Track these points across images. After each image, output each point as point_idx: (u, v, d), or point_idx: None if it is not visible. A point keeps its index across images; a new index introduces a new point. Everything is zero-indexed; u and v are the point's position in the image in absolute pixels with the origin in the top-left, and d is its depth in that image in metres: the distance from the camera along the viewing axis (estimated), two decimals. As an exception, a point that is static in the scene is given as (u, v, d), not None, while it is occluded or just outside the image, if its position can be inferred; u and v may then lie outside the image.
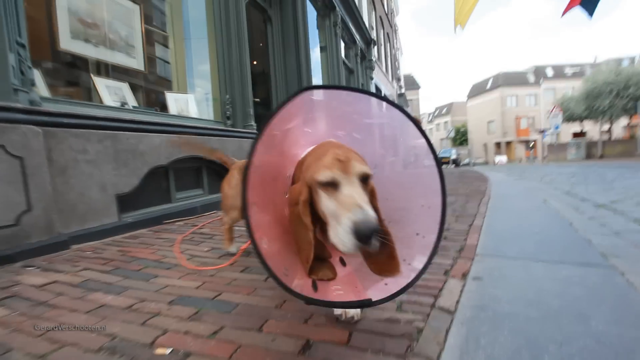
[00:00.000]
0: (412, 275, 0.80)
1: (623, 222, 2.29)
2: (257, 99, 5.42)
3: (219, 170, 3.41)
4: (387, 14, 18.48)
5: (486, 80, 41.75)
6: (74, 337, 0.95)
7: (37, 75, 2.19)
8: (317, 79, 7.96)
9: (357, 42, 10.56)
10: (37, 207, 1.76)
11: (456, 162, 24.73)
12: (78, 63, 2.98)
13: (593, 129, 27.41)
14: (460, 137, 46.36)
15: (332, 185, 0.76)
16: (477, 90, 42.77)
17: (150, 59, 3.63)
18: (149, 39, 3.66)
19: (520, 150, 36.39)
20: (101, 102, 2.73)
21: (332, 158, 0.79)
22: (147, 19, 3.66)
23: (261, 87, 5.82)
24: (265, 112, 5.58)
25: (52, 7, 2.68)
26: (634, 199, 3.18)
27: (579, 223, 2.24)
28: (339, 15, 8.20)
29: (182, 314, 1.07)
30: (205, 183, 3.37)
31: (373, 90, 12.57)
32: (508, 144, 38.71)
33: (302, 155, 0.96)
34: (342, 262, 1.01)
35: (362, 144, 1.00)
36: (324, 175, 0.77)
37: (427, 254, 0.82)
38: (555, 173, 7.72)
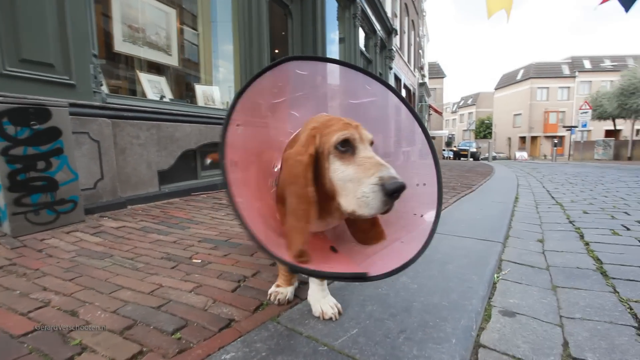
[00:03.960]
0: (407, 257, 0.78)
1: (558, 217, 2.75)
2: (275, 90, 5.97)
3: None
4: (413, 0, 18.20)
5: (517, 71, 40.00)
6: (146, 252, 1.63)
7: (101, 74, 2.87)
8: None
9: (378, 31, 10.77)
10: (106, 176, 2.47)
11: (475, 156, 24.34)
12: (127, 61, 3.65)
13: (628, 129, 25.98)
14: (485, 130, 45.06)
15: (347, 151, 0.74)
16: (507, 80, 41.09)
17: (183, 56, 4.26)
18: (182, 37, 4.28)
19: (546, 147, 35.14)
20: (144, 95, 3.41)
21: (344, 123, 0.76)
22: (180, 19, 4.28)
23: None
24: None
25: (110, 16, 3.33)
26: (597, 199, 3.56)
27: (521, 215, 2.74)
28: (359, 7, 8.47)
29: (207, 246, 1.73)
30: (225, 164, 4.05)
31: (392, 80, 12.76)
32: (533, 139, 37.40)
33: (293, 135, 0.90)
34: (333, 250, 0.96)
35: None
36: (342, 134, 0.73)
37: (425, 235, 0.82)
38: (562, 173, 7.90)
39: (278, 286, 1.12)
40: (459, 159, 22.98)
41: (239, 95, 0.82)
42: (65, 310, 1.07)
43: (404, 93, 16.51)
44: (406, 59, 16.67)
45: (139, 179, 2.77)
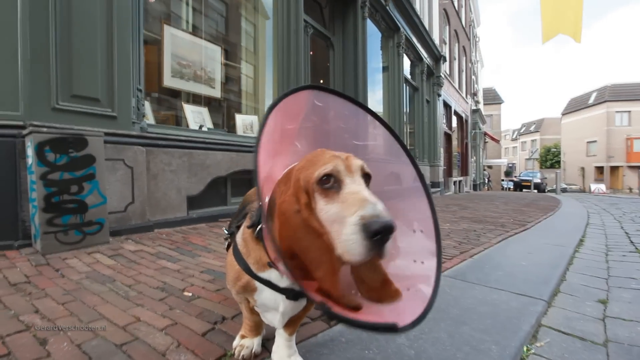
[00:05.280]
0: (426, 296, 0.71)
1: (635, 269, 2.21)
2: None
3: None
4: (464, 27, 17.81)
5: (588, 94, 36.09)
6: (145, 280, 1.63)
7: (147, 106, 3.17)
8: (377, 97, 8.32)
9: (424, 59, 10.62)
10: (137, 200, 2.64)
11: (539, 188, 21.91)
12: (174, 95, 4.01)
13: None
14: (551, 158, 40.76)
15: (332, 187, 0.67)
16: (576, 105, 37.22)
17: (225, 88, 4.57)
18: (225, 72, 4.61)
19: (630, 179, 30.37)
20: (187, 125, 3.68)
21: (330, 155, 0.70)
22: (224, 55, 4.64)
23: None
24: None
25: (161, 54, 3.72)
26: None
27: (583, 264, 2.26)
28: (403, 36, 8.49)
29: (205, 278, 1.68)
30: (256, 191, 4.12)
31: (440, 107, 12.32)
32: (613, 169, 32.66)
33: (286, 170, 0.81)
34: None
35: None
36: (323, 169, 0.67)
37: (430, 281, 0.75)
38: (649, 210, 6.63)
39: (242, 337, 1.00)
40: (521, 191, 20.84)
41: (269, 111, 0.76)
42: (38, 338, 1.06)
43: (454, 120, 15.79)
44: (457, 86, 16.09)
45: (168, 204, 2.91)
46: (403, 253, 0.82)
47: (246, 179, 4.01)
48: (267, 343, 1.04)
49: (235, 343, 1.00)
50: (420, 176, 0.87)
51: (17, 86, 2.04)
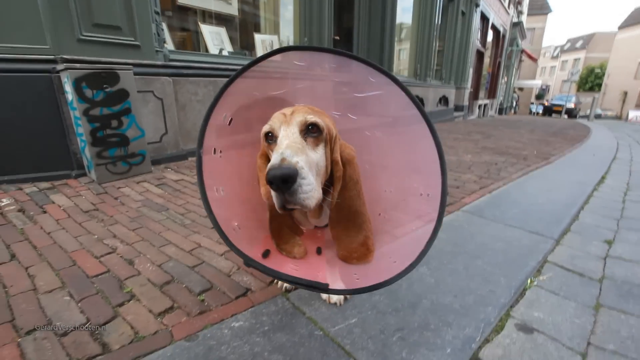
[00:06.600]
0: (386, 276, 0.72)
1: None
2: (337, 37, 5.60)
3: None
4: None
5: (658, 1, 30.37)
6: (194, 209, 1.85)
7: (164, 29, 3.03)
8: (405, 4, 7.34)
9: (465, -41, 9.00)
10: (170, 131, 2.75)
11: (571, 113, 20.50)
12: (189, 13, 3.74)
13: None
14: (593, 81, 37.03)
15: (272, 141, 0.76)
16: (639, 17, 31.83)
17: (242, 3, 4.18)
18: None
19: (679, 104, 27.73)
20: (207, 49, 3.53)
21: (279, 113, 0.78)
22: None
23: (347, 16, 5.79)
24: (345, 50, 5.77)
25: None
26: None
27: (598, 203, 2.35)
28: None
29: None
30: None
31: (477, 19, 10.91)
32: (662, 94, 29.64)
33: None
34: (318, 252, 0.98)
35: (361, 132, 0.95)
36: (264, 128, 0.77)
37: (413, 256, 0.75)
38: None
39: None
40: (550, 116, 19.66)
41: (224, 87, 0.87)
42: (126, 259, 1.32)
43: (490, 35, 14.09)
44: (500, -8, 13.85)
45: (197, 133, 3.02)
46: (407, 215, 0.88)
47: (269, 108, 4.00)
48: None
49: None
50: (434, 133, 0.81)
51: (39, 19, 1.98)
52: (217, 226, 0.75)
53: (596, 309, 1.16)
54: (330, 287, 0.71)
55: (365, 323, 1.00)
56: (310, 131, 0.75)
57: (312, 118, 0.74)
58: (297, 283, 0.73)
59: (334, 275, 0.84)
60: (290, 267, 0.84)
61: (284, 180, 0.62)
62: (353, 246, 0.84)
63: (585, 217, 2.08)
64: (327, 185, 0.80)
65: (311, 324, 0.99)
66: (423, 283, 1.23)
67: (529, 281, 1.31)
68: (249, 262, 0.74)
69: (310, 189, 0.66)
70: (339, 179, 0.79)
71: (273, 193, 0.66)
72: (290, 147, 0.67)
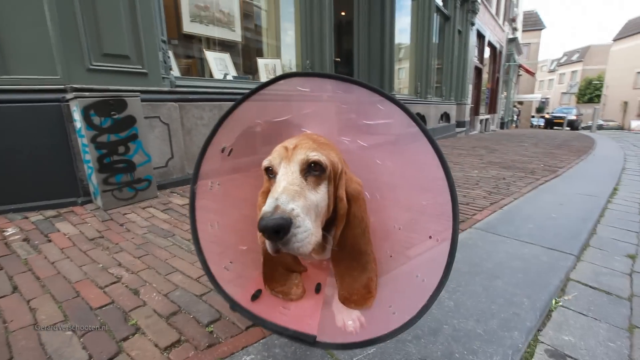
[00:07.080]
0: (382, 332, 0.68)
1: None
2: (338, 59, 5.74)
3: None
4: (508, -64, 15.07)
5: (649, 14, 31.07)
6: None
7: (171, 56, 3.11)
8: (402, 26, 7.55)
9: (458, -18, 9.33)
10: (176, 155, 2.77)
11: (573, 125, 20.50)
12: (194, 41, 3.86)
13: None
14: (592, 92, 37.32)
15: (272, 177, 0.72)
16: (633, 28, 32.48)
17: (245, 30, 4.32)
18: (245, 13, 4.31)
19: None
20: (211, 74, 3.61)
21: (280, 146, 0.73)
22: (243, -6, 4.28)
23: (347, 38, 5.96)
24: (346, 72, 5.91)
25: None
26: None
27: (614, 216, 2.27)
28: (435, -44, 7.38)
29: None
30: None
31: (473, 37, 11.18)
32: (662, 104, 29.71)
33: None
34: (317, 290, 0.90)
35: (368, 159, 0.88)
36: (264, 163, 0.72)
37: (417, 307, 0.69)
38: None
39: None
40: (552, 129, 19.68)
41: (226, 115, 0.87)
42: (131, 289, 1.27)
43: (487, 52, 14.39)
44: (494, 11, 14.28)
45: (203, 157, 3.03)
46: (411, 262, 0.81)
47: (273, 130, 4.04)
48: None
49: None
50: (445, 167, 0.74)
51: (51, 50, 2.04)
52: (206, 268, 0.78)
53: (630, 331, 1.08)
54: (319, 339, 0.69)
55: (385, 353, 0.94)
56: (313, 169, 0.69)
57: (314, 156, 0.69)
58: (282, 334, 0.72)
59: (326, 321, 0.78)
60: (279, 312, 0.80)
61: (276, 231, 0.57)
62: (355, 287, 0.78)
63: (603, 231, 2.01)
64: (330, 221, 0.75)
65: (327, 355, 0.93)
66: (442, 307, 1.17)
67: (553, 302, 1.24)
68: (234, 306, 0.74)
69: (306, 236, 0.61)
70: (342, 217, 0.73)
71: (263, 238, 0.61)
72: (286, 191, 0.63)
